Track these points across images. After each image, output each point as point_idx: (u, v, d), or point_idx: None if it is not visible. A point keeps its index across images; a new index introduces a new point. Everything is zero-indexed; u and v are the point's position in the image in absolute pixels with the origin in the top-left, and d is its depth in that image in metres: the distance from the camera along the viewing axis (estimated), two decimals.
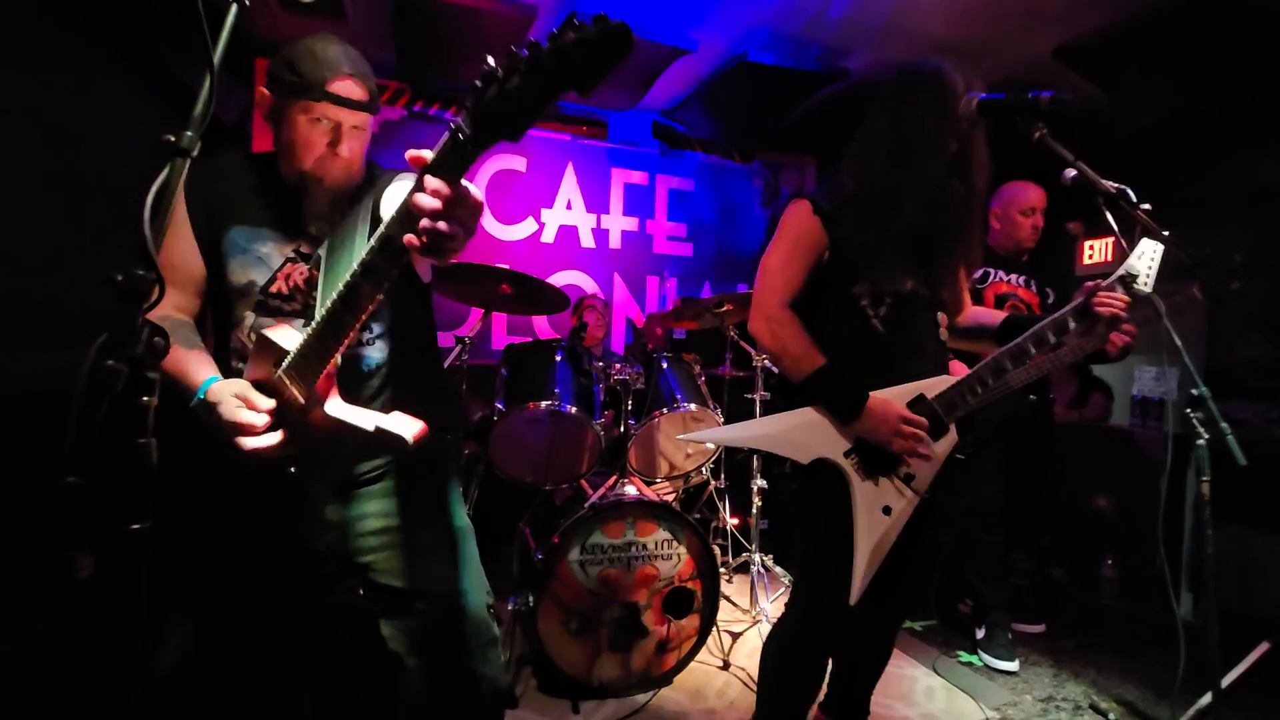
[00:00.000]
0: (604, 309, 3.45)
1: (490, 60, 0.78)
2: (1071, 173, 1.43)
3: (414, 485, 1.29)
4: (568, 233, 4.28)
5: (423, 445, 1.04)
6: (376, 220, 1.19)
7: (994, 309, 2.49)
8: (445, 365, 2.49)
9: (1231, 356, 3.13)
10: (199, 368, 1.12)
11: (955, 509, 1.58)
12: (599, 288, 4.34)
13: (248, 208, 1.22)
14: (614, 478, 2.33)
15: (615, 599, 2.14)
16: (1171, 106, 3.30)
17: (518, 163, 4.14)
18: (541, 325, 4.22)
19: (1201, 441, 1.81)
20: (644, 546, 2.17)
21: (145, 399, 0.77)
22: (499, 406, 2.34)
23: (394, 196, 1.04)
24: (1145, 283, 1.47)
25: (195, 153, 0.83)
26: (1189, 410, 1.84)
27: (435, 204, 0.83)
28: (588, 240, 4.33)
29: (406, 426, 1.04)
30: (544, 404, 2.28)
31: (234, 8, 0.88)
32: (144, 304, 0.76)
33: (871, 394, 1.38)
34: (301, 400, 1.05)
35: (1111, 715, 2.09)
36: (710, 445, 2.71)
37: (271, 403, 1.06)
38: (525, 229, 4.18)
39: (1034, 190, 2.56)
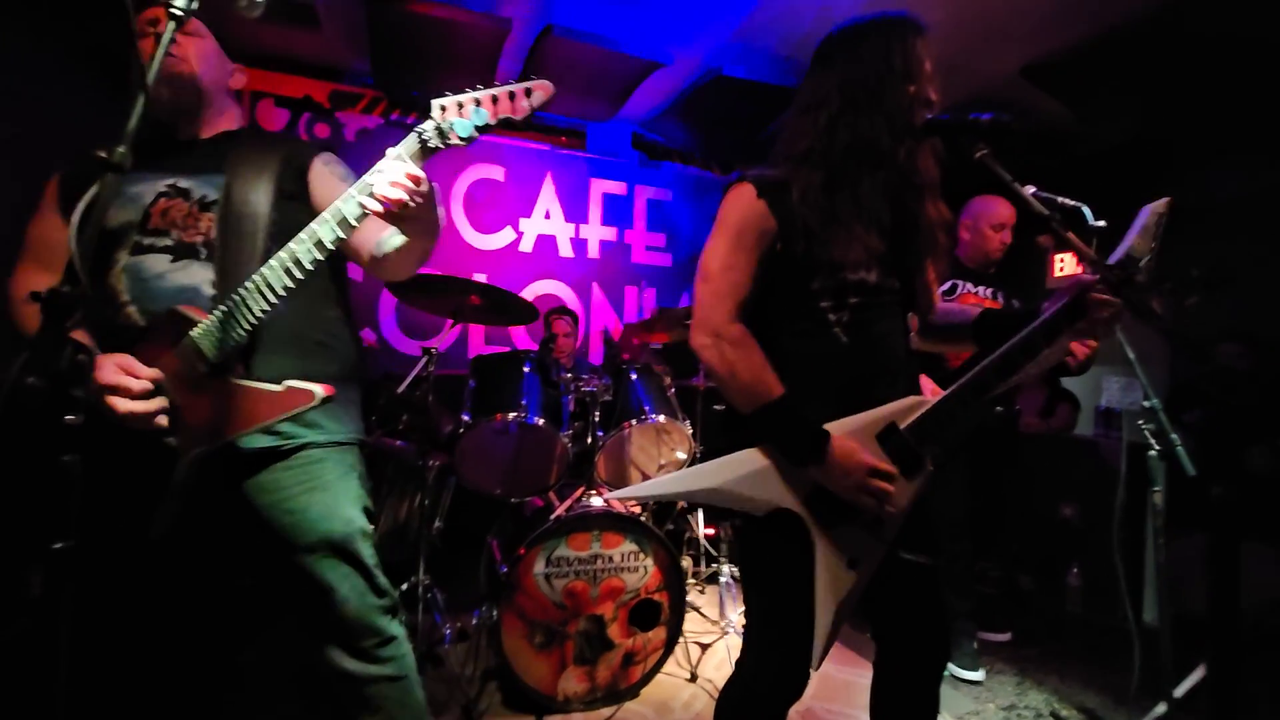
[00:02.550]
0: (574, 332, 3.45)
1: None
2: (1031, 188, 1.45)
3: (301, 473, 1.26)
4: (546, 242, 4.30)
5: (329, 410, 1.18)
6: (286, 190, 1.29)
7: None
8: (411, 377, 2.49)
9: (1194, 368, 3.20)
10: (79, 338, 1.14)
11: (933, 525, 1.36)
12: (577, 297, 4.35)
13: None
14: (581, 489, 2.33)
15: (581, 612, 2.13)
16: (1134, 124, 3.38)
17: (496, 172, 4.15)
18: (519, 335, 4.22)
19: (1153, 452, 1.86)
20: (610, 559, 2.17)
21: (70, 417, 0.77)
22: (465, 418, 2.33)
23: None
24: (1148, 265, 1.22)
25: (128, 168, 0.83)
26: (1140, 422, 1.88)
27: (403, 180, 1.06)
28: (566, 250, 4.35)
29: (315, 385, 1.11)
30: (511, 415, 2.28)
31: (170, 25, 0.89)
32: (68, 320, 0.76)
33: (835, 433, 1.14)
34: (203, 370, 1.12)
35: None
36: (680, 455, 2.71)
37: (155, 372, 1.10)
38: (503, 238, 4.18)
39: (1005, 206, 2.60)
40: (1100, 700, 2.30)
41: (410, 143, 1.11)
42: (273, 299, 1.11)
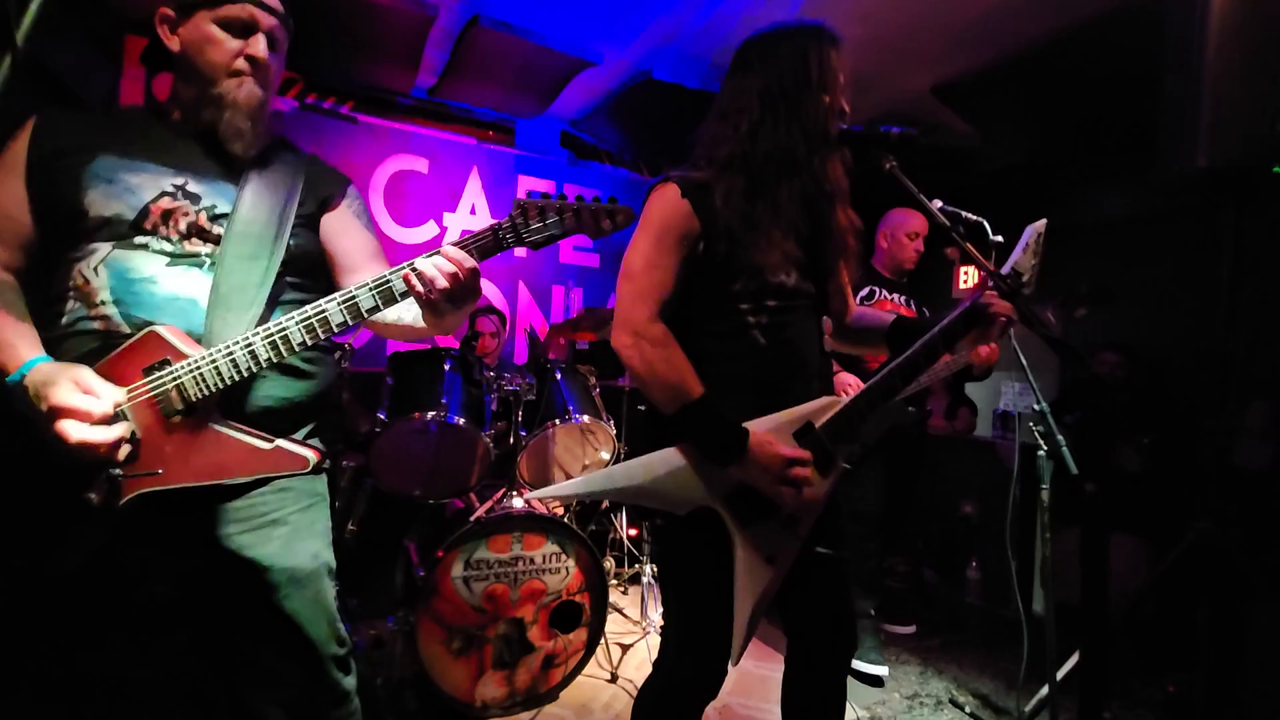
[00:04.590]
0: (499, 331, 3.38)
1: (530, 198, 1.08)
2: (938, 202, 1.52)
3: (262, 504, 1.14)
4: None
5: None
6: (303, 217, 1.20)
7: None
8: None
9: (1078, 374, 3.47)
10: (23, 343, 1.00)
11: (844, 521, 1.42)
12: (503, 295, 4.27)
13: (122, 140, 1.10)
14: (502, 490, 2.29)
15: (501, 615, 2.09)
16: (1033, 144, 3.63)
17: (419, 164, 4.02)
18: None
19: (1041, 453, 2.00)
20: (531, 560, 2.14)
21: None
22: (382, 417, 2.24)
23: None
24: (1031, 278, 1.36)
25: None
26: (1032, 424, 2.02)
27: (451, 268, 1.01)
28: None
29: (307, 449, 1.05)
30: (430, 414, 2.20)
31: None
32: None
33: (752, 430, 1.17)
34: (178, 407, 1.00)
35: (967, 708, 2.25)
36: (605, 455, 2.71)
37: (120, 395, 0.98)
38: (426, 232, 4.05)
39: (919, 216, 2.73)
40: (994, 686, 2.46)
41: (483, 236, 1.07)
42: (284, 351, 1.03)
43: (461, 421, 2.24)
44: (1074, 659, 2.12)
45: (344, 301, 1.03)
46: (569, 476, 2.76)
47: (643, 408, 2.61)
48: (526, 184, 4.34)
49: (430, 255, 1.03)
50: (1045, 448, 1.96)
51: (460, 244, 1.05)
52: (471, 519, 2.10)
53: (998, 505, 3.31)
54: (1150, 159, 1.97)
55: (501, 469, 2.45)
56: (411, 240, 4.00)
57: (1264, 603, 2.17)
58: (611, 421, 2.59)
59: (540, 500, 2.32)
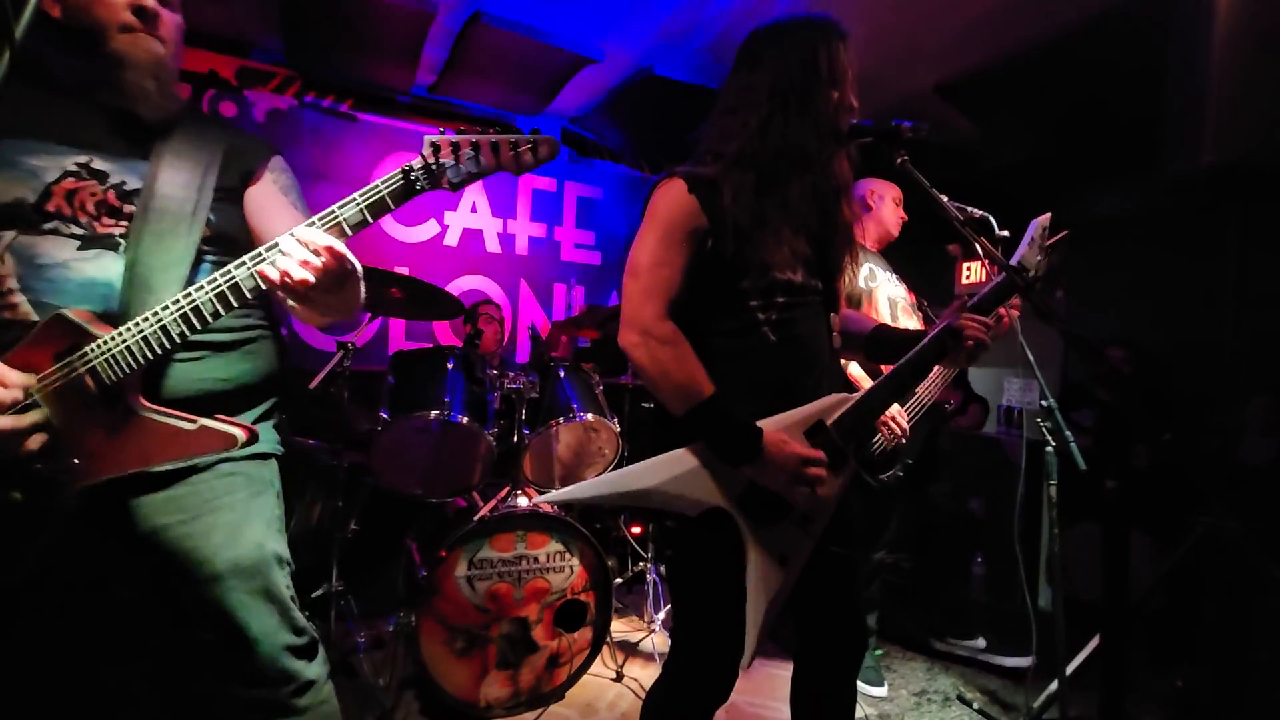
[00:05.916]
0: (501, 319, 3.37)
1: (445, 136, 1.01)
2: (943, 198, 1.51)
3: (207, 490, 1.10)
4: (472, 236, 4.18)
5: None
6: (224, 190, 1.14)
7: (881, 314, 2.33)
8: (325, 372, 2.35)
9: (1085, 370, 3.46)
10: None
11: (856, 520, 1.39)
12: (504, 293, 4.26)
13: (17, 118, 1.02)
14: (506, 489, 2.28)
15: (504, 615, 2.08)
16: (1035, 143, 3.62)
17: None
18: (443, 331, 4.08)
19: (1049, 449, 1.99)
20: (535, 559, 2.13)
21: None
22: (384, 416, 2.23)
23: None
24: (1038, 272, 1.35)
25: None
26: (1039, 420, 2.01)
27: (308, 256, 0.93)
28: (493, 245, 4.25)
29: (235, 426, 1.00)
30: (433, 413, 2.19)
31: None
32: None
33: (766, 429, 1.15)
34: (93, 391, 0.96)
35: (975, 705, 2.24)
36: (609, 454, 2.69)
37: (27, 379, 0.94)
38: (427, 231, 4.04)
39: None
40: (1001, 682, 2.45)
41: (392, 181, 0.99)
42: (198, 323, 0.98)
43: (465, 420, 2.23)
44: (1083, 654, 2.11)
45: (254, 263, 0.97)
46: (572, 475, 2.75)
47: (648, 405, 2.58)
48: (528, 182, 4.33)
49: (281, 242, 0.95)
50: (1052, 443, 1.95)
51: (368, 191, 0.98)
52: (475, 518, 2.09)
53: (1003, 501, 3.30)
54: (1154, 157, 1.96)
55: (503, 468, 2.44)
56: (412, 239, 3.99)
57: (1269, 597, 2.17)
58: (616, 419, 2.58)
59: (548, 503, 2.30)
